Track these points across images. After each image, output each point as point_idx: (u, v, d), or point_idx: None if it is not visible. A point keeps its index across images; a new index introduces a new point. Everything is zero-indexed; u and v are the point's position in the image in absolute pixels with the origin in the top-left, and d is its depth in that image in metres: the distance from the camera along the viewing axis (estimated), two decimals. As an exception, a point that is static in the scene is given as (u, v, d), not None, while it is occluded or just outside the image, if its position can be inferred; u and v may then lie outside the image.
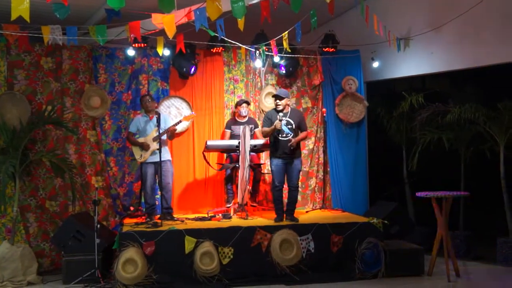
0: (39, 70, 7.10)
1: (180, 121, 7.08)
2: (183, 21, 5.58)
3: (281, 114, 6.55)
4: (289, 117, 6.63)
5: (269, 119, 6.67)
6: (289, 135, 6.58)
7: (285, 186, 6.82)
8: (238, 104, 7.70)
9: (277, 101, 6.60)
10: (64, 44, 6.03)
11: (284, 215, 6.68)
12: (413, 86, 9.03)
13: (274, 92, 8.00)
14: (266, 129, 6.65)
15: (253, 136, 7.48)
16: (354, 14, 8.34)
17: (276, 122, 6.50)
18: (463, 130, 7.66)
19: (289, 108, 6.74)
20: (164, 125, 6.87)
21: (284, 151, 6.58)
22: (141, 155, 6.92)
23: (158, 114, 6.77)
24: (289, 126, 6.61)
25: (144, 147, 6.87)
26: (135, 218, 7.01)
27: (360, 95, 8.43)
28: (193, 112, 7.60)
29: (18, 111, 6.83)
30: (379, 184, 8.79)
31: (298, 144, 6.70)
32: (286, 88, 8.12)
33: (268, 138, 6.86)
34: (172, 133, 7.00)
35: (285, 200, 6.94)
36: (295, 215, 6.72)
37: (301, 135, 6.74)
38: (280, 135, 6.58)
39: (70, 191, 6.88)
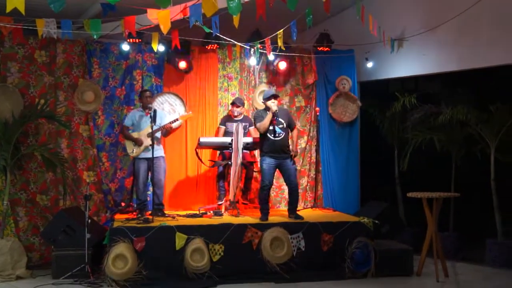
0: (32, 63, 7.07)
1: (177, 120, 7.06)
2: (178, 17, 5.56)
3: (274, 105, 6.58)
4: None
5: (261, 117, 6.63)
6: (281, 134, 6.59)
7: (275, 186, 6.86)
8: (231, 104, 7.67)
9: (275, 100, 6.63)
10: (59, 37, 6.01)
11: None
12: (406, 86, 9.07)
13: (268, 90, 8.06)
14: (263, 121, 6.54)
15: (246, 134, 7.47)
16: (349, 14, 8.36)
17: (272, 106, 6.51)
18: (454, 132, 7.71)
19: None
20: (160, 122, 6.86)
21: (276, 150, 6.58)
22: (133, 150, 6.90)
23: (154, 111, 6.75)
24: (280, 126, 6.61)
25: (137, 142, 6.86)
26: (126, 214, 6.97)
27: (354, 95, 8.44)
28: (190, 112, 7.52)
29: (10, 104, 6.80)
30: (370, 184, 8.82)
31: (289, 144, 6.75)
32: (279, 87, 8.22)
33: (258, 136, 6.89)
34: (167, 131, 6.98)
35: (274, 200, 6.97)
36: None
37: (294, 136, 6.87)
38: (272, 135, 6.59)
39: (61, 185, 6.85)
